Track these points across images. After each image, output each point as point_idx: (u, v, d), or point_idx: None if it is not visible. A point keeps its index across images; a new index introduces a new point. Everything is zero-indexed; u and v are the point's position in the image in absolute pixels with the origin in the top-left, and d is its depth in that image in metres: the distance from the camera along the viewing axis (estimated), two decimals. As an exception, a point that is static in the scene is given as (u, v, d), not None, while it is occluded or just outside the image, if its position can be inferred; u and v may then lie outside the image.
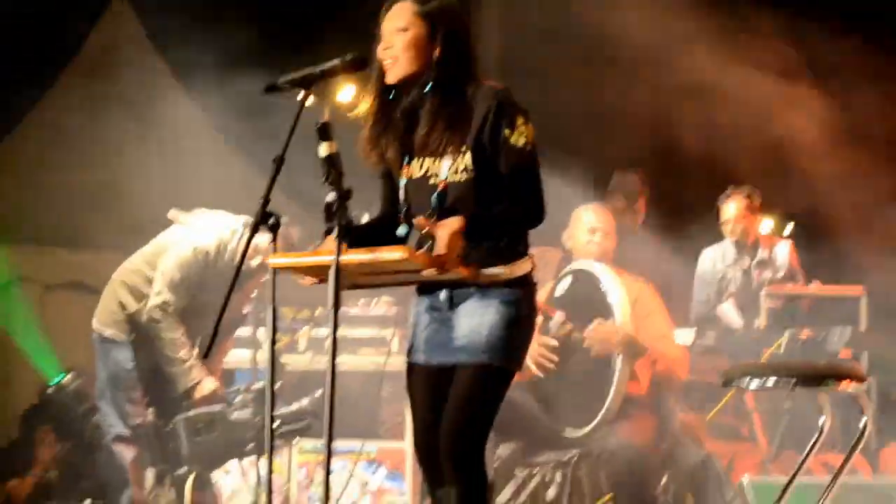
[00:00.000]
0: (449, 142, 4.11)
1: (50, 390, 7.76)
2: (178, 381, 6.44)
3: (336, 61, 4.03)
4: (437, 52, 4.14)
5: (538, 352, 5.83)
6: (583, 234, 6.22)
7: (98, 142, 9.73)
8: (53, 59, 9.94)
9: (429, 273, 3.91)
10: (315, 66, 4.03)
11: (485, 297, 4.12)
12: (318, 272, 3.99)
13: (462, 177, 4.11)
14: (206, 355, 4.35)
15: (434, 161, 4.15)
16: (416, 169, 4.19)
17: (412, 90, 4.19)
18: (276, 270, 3.98)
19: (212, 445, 6.26)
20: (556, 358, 5.83)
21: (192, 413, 6.33)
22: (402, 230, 4.23)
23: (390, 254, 3.86)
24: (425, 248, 3.96)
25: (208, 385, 6.41)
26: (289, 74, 4.03)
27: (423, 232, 3.92)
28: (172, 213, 6.74)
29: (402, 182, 4.23)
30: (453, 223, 3.91)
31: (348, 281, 4.05)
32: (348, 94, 10.80)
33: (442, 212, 4.09)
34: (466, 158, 4.10)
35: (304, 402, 6.37)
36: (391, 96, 4.22)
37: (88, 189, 9.71)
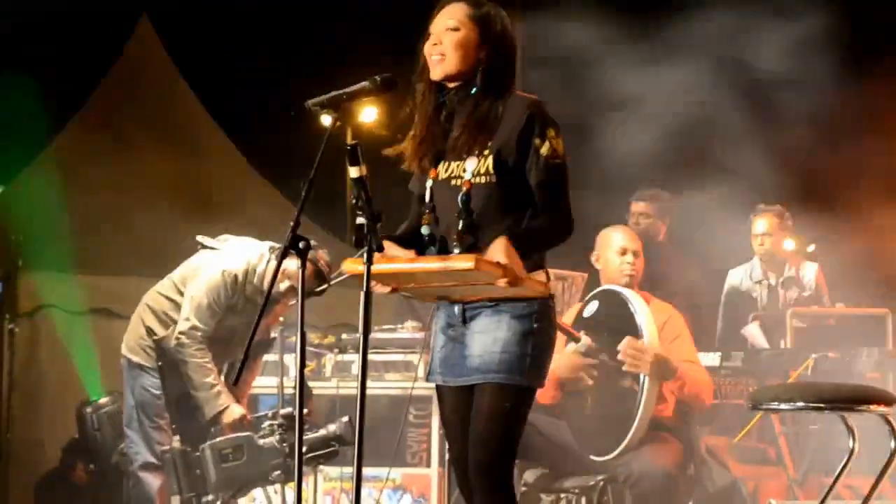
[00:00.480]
0: (474, 144, 4.13)
1: (88, 408, 7.80)
2: (205, 406, 6.44)
3: (365, 83, 4.04)
4: (483, 56, 4.18)
5: (582, 367, 5.80)
6: (614, 256, 6.20)
7: (124, 163, 9.77)
8: (80, 82, 9.99)
9: (502, 283, 3.90)
10: (343, 88, 4.04)
11: (497, 311, 4.12)
12: (393, 280, 4.04)
13: (483, 180, 4.13)
14: (235, 382, 4.35)
15: (459, 164, 4.17)
16: (442, 171, 4.22)
17: (453, 93, 4.21)
18: (303, 296, 3.98)
19: (239, 472, 6.27)
20: (595, 372, 5.81)
21: (219, 439, 6.33)
22: (424, 229, 4.24)
23: (460, 263, 3.88)
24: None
25: (236, 411, 6.40)
26: (317, 97, 4.04)
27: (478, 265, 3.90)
28: (200, 238, 6.76)
29: (429, 183, 4.24)
30: (502, 242, 3.91)
31: (426, 292, 4.11)
32: (371, 114, 10.90)
33: (468, 212, 4.11)
34: (489, 162, 4.12)
35: (332, 427, 6.36)
36: (439, 99, 4.24)
37: (114, 213, 9.73)
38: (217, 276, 6.52)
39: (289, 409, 6.33)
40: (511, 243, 3.91)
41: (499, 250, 3.89)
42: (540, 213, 4.10)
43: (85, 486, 8.60)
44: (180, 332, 6.48)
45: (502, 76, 4.20)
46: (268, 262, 6.49)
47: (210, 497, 6.31)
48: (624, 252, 6.14)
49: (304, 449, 6.19)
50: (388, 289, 4.11)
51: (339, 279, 6.41)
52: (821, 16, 8.12)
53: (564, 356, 5.78)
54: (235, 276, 6.49)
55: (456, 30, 4.19)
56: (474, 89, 4.18)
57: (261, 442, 6.27)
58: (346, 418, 6.31)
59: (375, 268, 3.91)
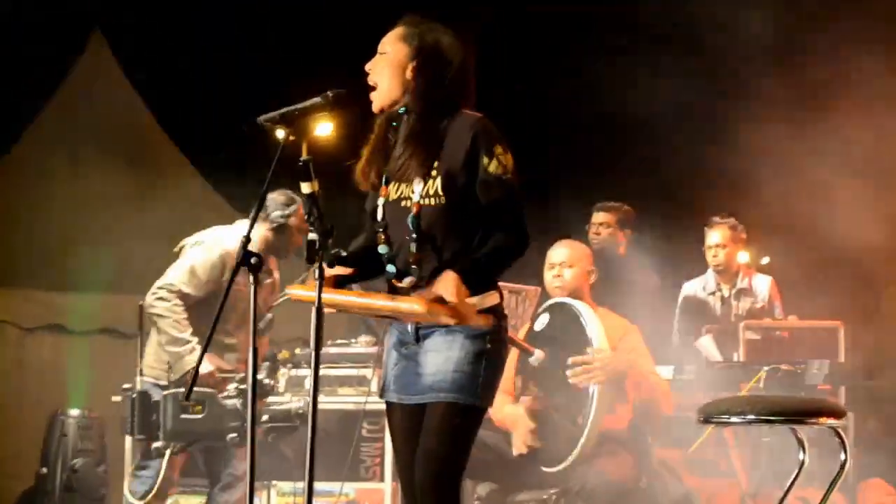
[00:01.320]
0: (415, 166, 4.11)
1: (61, 415, 7.74)
2: (177, 362, 6.43)
3: (317, 99, 4.03)
4: (411, 74, 4.16)
5: (526, 434, 5.83)
6: (546, 270, 6.23)
7: (76, 178, 9.73)
8: (33, 97, 9.94)
9: (448, 321, 3.92)
10: (295, 103, 4.04)
11: (450, 331, 4.09)
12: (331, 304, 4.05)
13: (433, 201, 4.10)
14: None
15: (408, 185, 4.15)
16: (392, 191, 4.20)
17: (403, 115, 4.20)
18: (255, 311, 3.98)
19: (195, 425, 6.26)
20: (538, 445, 5.83)
21: (181, 390, 6.33)
22: (382, 248, 4.22)
23: (409, 305, 3.91)
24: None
25: (206, 367, 6.39)
26: (269, 113, 4.03)
27: (429, 300, 3.90)
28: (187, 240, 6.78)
29: (381, 202, 4.24)
30: (449, 277, 3.91)
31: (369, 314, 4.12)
32: (326, 129, 10.88)
33: (420, 234, 4.10)
34: (437, 184, 4.09)
35: (295, 403, 6.39)
36: (392, 122, 4.24)
37: (69, 230, 9.68)
38: (216, 251, 6.55)
39: (261, 376, 6.34)
40: (461, 278, 3.91)
41: (447, 288, 3.88)
42: (493, 233, 4.08)
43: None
44: (160, 287, 6.54)
45: (434, 92, 4.14)
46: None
47: (160, 443, 6.31)
48: (552, 267, 6.17)
49: (265, 417, 6.26)
50: (332, 310, 4.10)
51: (281, 300, 6.49)
52: (768, 30, 8.18)
53: (510, 410, 5.82)
54: (232, 256, 6.48)
55: (385, 53, 4.19)
56: (402, 109, 4.17)
57: (224, 402, 6.26)
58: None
59: (326, 298, 3.93)
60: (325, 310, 4.03)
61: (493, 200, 4.08)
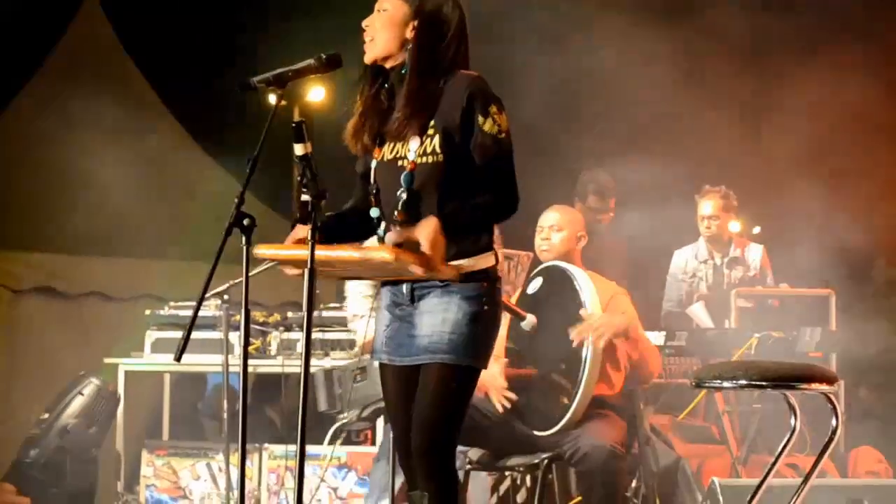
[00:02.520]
0: (415, 125, 4.11)
1: (86, 375, 7.71)
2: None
3: (310, 60, 4.04)
4: (412, 33, 4.16)
5: (500, 392, 5.83)
6: (536, 235, 6.23)
7: (70, 145, 9.69)
8: (26, 61, 9.91)
9: (417, 272, 3.89)
10: (289, 65, 4.04)
11: (446, 292, 4.10)
12: (304, 264, 3.97)
13: (430, 159, 4.11)
14: (178, 357, 4.26)
15: (403, 144, 4.15)
16: (386, 152, 4.20)
17: (393, 74, 4.21)
18: (248, 269, 3.97)
19: (364, 391, 6.35)
20: (514, 397, 5.83)
21: (348, 362, 6.49)
22: (374, 212, 4.23)
23: (378, 253, 3.86)
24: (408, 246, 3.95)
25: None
26: (262, 74, 4.03)
27: (404, 241, 3.91)
28: None
29: (373, 164, 4.24)
30: (431, 224, 3.90)
31: (335, 274, 4.05)
32: (319, 94, 10.87)
33: (410, 193, 4.10)
34: (435, 141, 4.10)
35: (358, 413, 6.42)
36: (382, 84, 4.24)
37: (60, 192, 9.66)
38: None
39: None
40: (442, 225, 3.90)
41: (423, 234, 3.88)
42: (485, 190, 4.08)
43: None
44: None
45: (434, 53, 4.16)
46: None
47: (345, 415, 6.42)
48: (541, 230, 6.18)
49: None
50: (297, 271, 4.07)
51: (258, 270, 6.39)
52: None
53: (488, 372, 5.84)
54: None
55: (385, 10, 4.20)
56: (404, 69, 4.17)
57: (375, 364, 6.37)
58: (371, 408, 6.38)
59: (294, 253, 3.92)
60: (286, 271, 4.04)
61: (486, 159, 4.09)
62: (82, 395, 7.54)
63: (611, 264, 6.74)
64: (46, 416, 7.60)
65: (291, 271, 4.09)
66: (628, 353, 5.95)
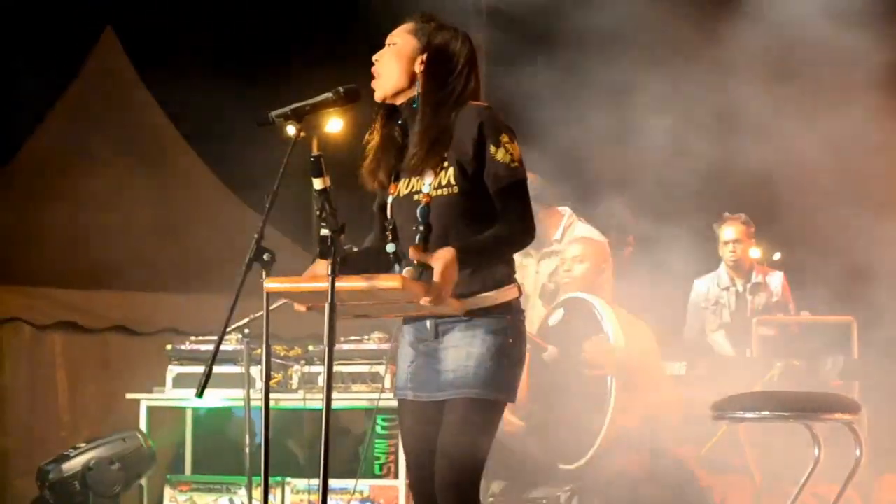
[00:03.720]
0: (429, 159, 4.10)
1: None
2: None
3: (328, 94, 4.04)
4: (422, 67, 4.17)
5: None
6: (560, 266, 6.24)
7: (90, 176, 9.73)
8: (45, 92, 9.96)
9: (425, 302, 3.89)
10: (307, 99, 4.04)
11: (470, 326, 4.08)
12: (314, 299, 3.97)
13: (445, 191, 4.09)
14: (200, 394, 4.25)
15: (418, 179, 4.15)
16: (402, 187, 4.20)
17: (405, 110, 4.21)
18: (269, 304, 3.97)
19: None
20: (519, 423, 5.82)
21: None
22: (390, 247, 4.21)
23: (386, 283, 3.84)
24: (420, 276, 3.94)
25: None
26: (280, 108, 4.04)
27: (417, 262, 3.91)
28: None
29: (390, 200, 4.24)
30: (446, 253, 3.90)
31: (346, 310, 4.03)
32: (337, 126, 10.91)
33: (427, 226, 4.10)
34: (450, 173, 4.09)
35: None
36: (397, 120, 4.25)
37: (81, 227, 9.69)
38: None
39: None
40: (459, 256, 3.89)
41: (438, 263, 3.86)
42: (500, 221, 4.09)
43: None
44: None
45: (444, 86, 4.16)
46: None
47: None
48: (563, 262, 6.18)
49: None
50: (303, 308, 4.07)
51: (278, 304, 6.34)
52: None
53: None
54: None
55: (395, 45, 4.21)
56: (415, 104, 4.17)
57: None
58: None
59: (299, 287, 3.91)
60: (299, 308, 4.04)
61: (500, 189, 4.08)
62: (123, 441, 7.54)
63: (631, 297, 6.74)
64: (72, 451, 7.60)
65: (299, 308, 4.08)
66: (647, 396, 5.93)
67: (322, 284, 3.76)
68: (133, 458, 7.49)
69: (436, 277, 3.84)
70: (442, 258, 3.88)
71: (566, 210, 6.85)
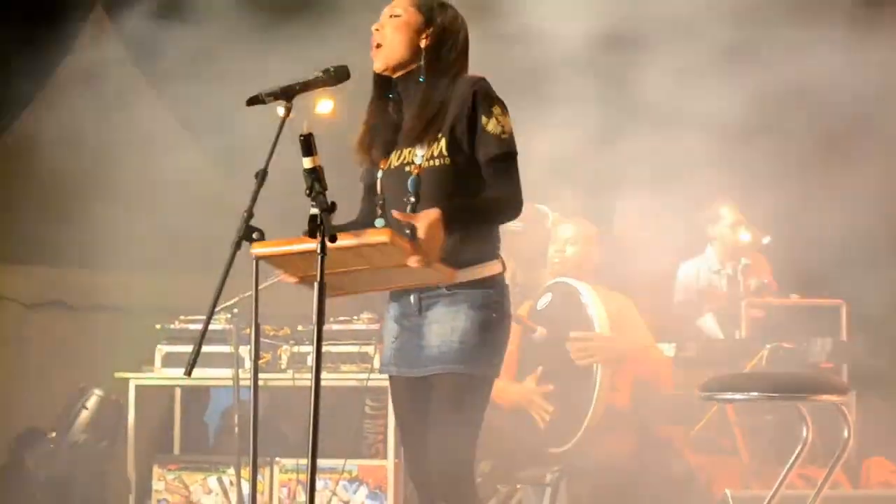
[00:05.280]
0: (428, 131, 4.12)
1: (87, 388, 7.70)
2: None
3: (318, 73, 4.05)
4: (427, 42, 4.18)
5: (539, 407, 5.83)
6: (550, 246, 6.26)
7: (80, 158, 9.70)
8: (34, 72, 9.91)
9: (413, 262, 3.87)
10: (297, 78, 4.04)
11: (454, 300, 4.09)
12: (304, 266, 3.92)
13: (437, 163, 4.11)
14: (188, 371, 4.24)
15: (410, 150, 4.16)
16: (393, 160, 4.20)
17: (400, 83, 4.21)
18: (258, 278, 3.96)
19: None
20: (551, 408, 5.82)
21: None
22: (379, 222, 4.21)
23: (374, 237, 3.81)
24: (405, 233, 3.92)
25: None
26: (270, 87, 4.03)
27: (403, 223, 3.90)
28: None
29: (379, 174, 4.23)
30: (431, 213, 3.89)
31: (333, 284, 4.01)
32: (326, 106, 10.88)
33: (417, 197, 4.10)
34: (441, 144, 4.11)
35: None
36: (389, 94, 4.25)
37: (70, 206, 9.66)
38: None
39: None
40: (444, 216, 3.88)
41: (423, 223, 3.86)
42: (487, 190, 4.09)
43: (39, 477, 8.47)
44: None
45: (447, 61, 4.19)
46: None
47: None
48: (555, 242, 6.20)
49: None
50: (294, 279, 4.06)
51: (267, 283, 6.32)
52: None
53: (516, 386, 5.81)
54: None
55: (398, 16, 4.21)
56: (422, 77, 4.17)
57: None
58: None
59: (285, 249, 3.88)
60: (288, 279, 4.01)
61: (490, 160, 4.09)
62: (86, 408, 7.54)
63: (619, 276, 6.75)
64: (54, 434, 7.60)
65: (289, 279, 4.06)
66: (636, 372, 5.95)
67: (311, 245, 3.69)
68: (107, 421, 7.51)
69: (420, 234, 3.83)
70: (425, 216, 3.87)
71: (544, 209, 6.85)
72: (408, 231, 3.86)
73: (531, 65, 7.51)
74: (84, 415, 7.53)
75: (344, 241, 3.78)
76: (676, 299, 8.33)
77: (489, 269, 4.13)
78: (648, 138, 8.04)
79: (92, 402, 7.55)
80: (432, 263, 3.89)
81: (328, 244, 3.67)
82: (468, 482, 4.07)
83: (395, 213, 3.94)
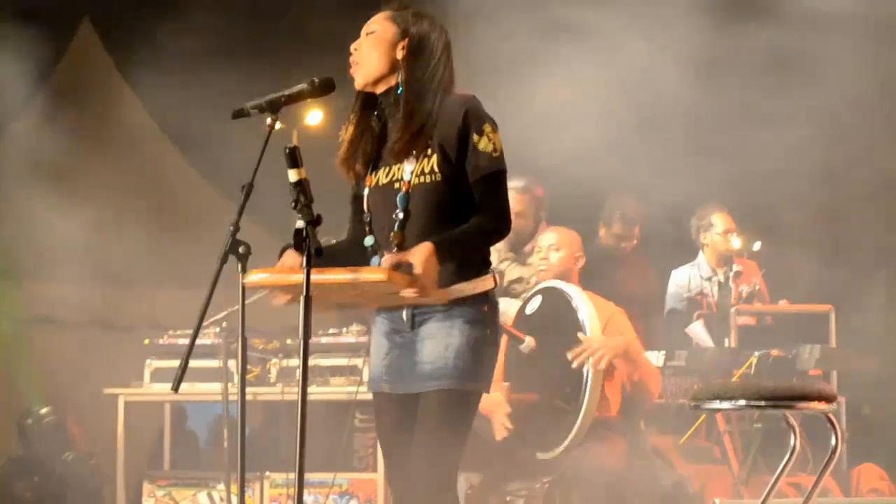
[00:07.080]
0: (413, 144, 4.10)
1: (29, 420, 7.71)
2: None
3: (303, 85, 4.05)
4: (402, 52, 4.16)
5: (504, 421, 5.82)
6: (534, 254, 6.26)
7: (68, 173, 9.69)
8: (23, 86, 9.89)
9: (408, 293, 3.88)
10: (282, 90, 4.04)
11: (448, 316, 4.08)
12: (292, 291, 3.93)
13: (427, 179, 4.09)
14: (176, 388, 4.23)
15: (399, 167, 4.15)
16: (381, 176, 4.19)
17: (383, 99, 4.20)
18: (245, 296, 3.96)
19: None
20: (511, 426, 5.81)
21: None
22: (368, 240, 4.21)
23: (371, 275, 3.84)
24: (401, 269, 3.92)
25: None
26: (256, 99, 4.03)
27: (396, 264, 3.89)
28: None
29: (366, 192, 4.23)
30: (425, 248, 3.89)
31: (329, 301, 4.02)
32: (316, 117, 10.88)
33: (406, 214, 4.09)
34: (433, 161, 4.09)
35: None
36: (373, 109, 4.24)
37: (55, 220, 9.65)
38: None
39: None
40: (436, 250, 3.90)
41: (418, 258, 3.87)
42: (477, 211, 4.08)
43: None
44: None
45: (425, 72, 4.16)
46: None
47: None
48: (539, 250, 6.21)
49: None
50: (284, 300, 4.05)
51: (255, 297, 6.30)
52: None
53: (492, 397, 5.81)
54: None
55: (373, 32, 4.20)
56: (400, 90, 4.17)
57: None
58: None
59: (285, 278, 3.89)
60: (278, 300, 4.01)
61: (479, 178, 4.09)
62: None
63: (635, 288, 6.77)
64: (37, 479, 7.63)
65: (279, 300, 4.06)
66: (628, 374, 5.95)
67: (300, 277, 3.72)
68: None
69: (417, 270, 3.84)
70: (420, 252, 3.88)
71: None
72: (404, 267, 3.88)
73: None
74: (42, 449, 7.55)
75: (340, 276, 3.82)
76: (667, 306, 8.34)
77: (482, 284, 4.12)
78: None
79: (45, 430, 7.57)
80: (430, 294, 3.90)
81: (323, 279, 3.71)
82: (453, 493, 4.06)
83: (387, 259, 3.94)
